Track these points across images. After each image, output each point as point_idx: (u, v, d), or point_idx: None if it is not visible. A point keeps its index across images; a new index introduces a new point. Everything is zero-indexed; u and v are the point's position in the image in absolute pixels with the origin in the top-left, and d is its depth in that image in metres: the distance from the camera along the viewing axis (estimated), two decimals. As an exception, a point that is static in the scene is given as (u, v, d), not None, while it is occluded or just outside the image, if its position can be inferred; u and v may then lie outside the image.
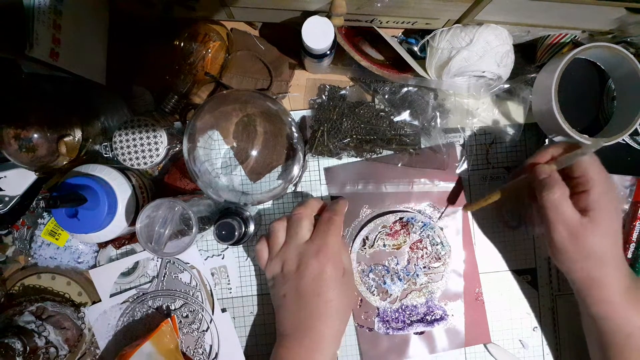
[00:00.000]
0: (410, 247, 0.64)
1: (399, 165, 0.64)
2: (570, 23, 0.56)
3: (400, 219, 0.64)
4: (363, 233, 0.64)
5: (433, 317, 0.64)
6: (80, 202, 0.52)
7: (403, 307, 0.64)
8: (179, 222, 0.54)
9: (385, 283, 0.64)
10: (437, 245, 0.64)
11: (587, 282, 0.48)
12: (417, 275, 0.64)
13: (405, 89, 0.62)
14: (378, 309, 0.64)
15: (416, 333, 0.64)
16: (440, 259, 0.64)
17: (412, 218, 0.64)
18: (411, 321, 0.64)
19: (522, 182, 0.53)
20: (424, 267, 0.64)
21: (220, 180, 0.62)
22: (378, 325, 0.64)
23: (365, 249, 0.64)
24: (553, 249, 0.49)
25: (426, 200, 0.65)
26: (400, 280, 0.63)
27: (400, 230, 0.64)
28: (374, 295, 0.64)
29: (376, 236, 0.64)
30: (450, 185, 0.64)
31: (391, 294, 0.64)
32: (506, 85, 0.61)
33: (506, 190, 0.55)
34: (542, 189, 0.48)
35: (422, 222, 0.64)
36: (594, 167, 0.49)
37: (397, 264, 0.64)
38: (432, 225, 0.64)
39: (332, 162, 0.65)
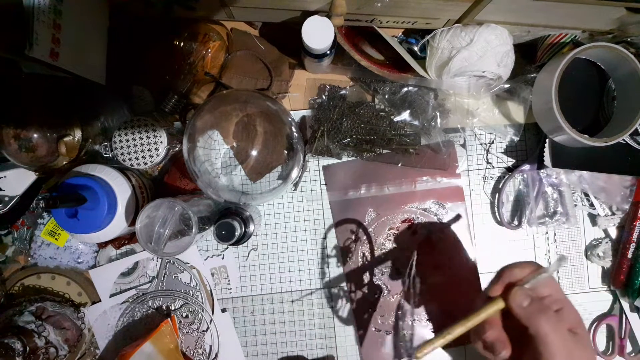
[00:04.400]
0: (418, 246, 0.64)
1: (399, 165, 0.64)
2: (571, 23, 0.56)
3: (407, 219, 0.64)
4: (370, 236, 0.64)
5: None
6: (80, 202, 0.52)
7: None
8: (178, 222, 0.54)
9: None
10: (443, 242, 0.64)
11: None
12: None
13: (405, 89, 0.62)
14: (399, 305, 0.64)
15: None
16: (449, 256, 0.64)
17: (418, 217, 0.64)
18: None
19: (496, 311, 0.45)
20: (436, 268, 0.64)
21: (220, 180, 0.62)
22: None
23: (374, 251, 0.64)
24: None
25: (430, 197, 0.65)
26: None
27: (407, 230, 0.64)
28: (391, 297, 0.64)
29: (384, 238, 0.64)
30: (454, 182, 0.64)
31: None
32: (506, 85, 0.61)
33: (471, 322, 0.45)
34: (535, 316, 0.43)
35: (427, 221, 0.64)
36: (557, 283, 0.47)
37: (407, 265, 0.64)
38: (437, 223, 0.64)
39: (331, 161, 0.65)
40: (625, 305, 0.64)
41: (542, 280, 0.44)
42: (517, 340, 0.44)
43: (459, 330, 0.44)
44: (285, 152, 0.62)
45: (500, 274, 0.46)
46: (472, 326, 0.44)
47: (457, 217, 0.65)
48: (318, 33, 0.52)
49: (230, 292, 0.66)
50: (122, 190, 0.56)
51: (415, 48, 0.60)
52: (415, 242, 0.64)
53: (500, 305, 0.44)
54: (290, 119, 0.60)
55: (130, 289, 0.65)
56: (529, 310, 0.43)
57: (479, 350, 0.47)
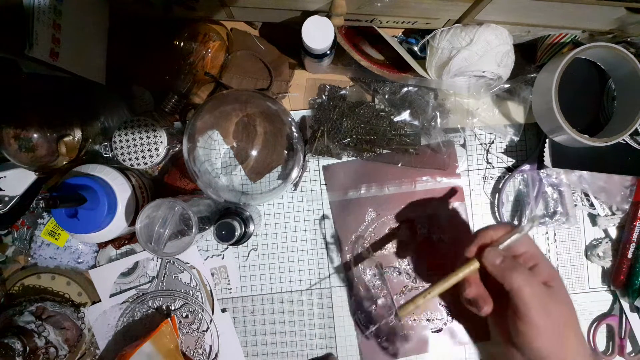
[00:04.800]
0: (418, 245, 0.64)
1: (399, 165, 0.64)
2: (571, 23, 0.56)
3: (407, 219, 0.64)
4: (371, 236, 0.64)
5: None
6: (80, 202, 0.52)
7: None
8: (178, 222, 0.54)
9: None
10: (443, 242, 0.64)
11: (554, 350, 0.45)
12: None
13: (405, 89, 0.62)
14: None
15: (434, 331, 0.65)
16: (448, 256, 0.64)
17: (417, 217, 0.64)
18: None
19: (472, 271, 0.47)
20: (436, 267, 0.64)
21: (220, 180, 0.62)
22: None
23: (375, 252, 0.64)
24: (525, 326, 0.44)
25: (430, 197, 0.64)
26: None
27: (407, 230, 0.64)
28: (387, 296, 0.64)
29: (384, 238, 0.64)
30: (454, 182, 0.64)
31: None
32: (506, 85, 0.61)
33: (448, 282, 0.47)
34: (507, 272, 0.45)
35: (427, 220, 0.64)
36: (532, 241, 0.49)
37: (408, 264, 0.64)
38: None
39: (331, 161, 0.65)
40: (625, 305, 0.64)
41: (516, 240, 0.46)
42: (500, 296, 0.46)
43: (437, 290, 0.47)
44: (285, 152, 0.62)
45: (476, 235, 0.48)
46: (449, 286, 0.47)
47: (453, 192, 0.64)
48: (318, 33, 0.52)
49: (230, 292, 0.66)
50: (122, 190, 0.56)
51: (415, 48, 0.60)
52: (415, 242, 0.64)
53: (475, 265, 0.47)
54: (290, 119, 0.60)
55: (130, 289, 0.65)
56: (502, 267, 0.45)
57: (465, 305, 0.50)
